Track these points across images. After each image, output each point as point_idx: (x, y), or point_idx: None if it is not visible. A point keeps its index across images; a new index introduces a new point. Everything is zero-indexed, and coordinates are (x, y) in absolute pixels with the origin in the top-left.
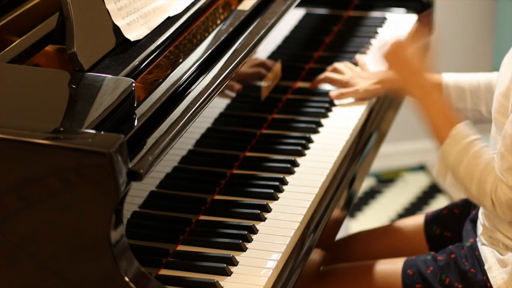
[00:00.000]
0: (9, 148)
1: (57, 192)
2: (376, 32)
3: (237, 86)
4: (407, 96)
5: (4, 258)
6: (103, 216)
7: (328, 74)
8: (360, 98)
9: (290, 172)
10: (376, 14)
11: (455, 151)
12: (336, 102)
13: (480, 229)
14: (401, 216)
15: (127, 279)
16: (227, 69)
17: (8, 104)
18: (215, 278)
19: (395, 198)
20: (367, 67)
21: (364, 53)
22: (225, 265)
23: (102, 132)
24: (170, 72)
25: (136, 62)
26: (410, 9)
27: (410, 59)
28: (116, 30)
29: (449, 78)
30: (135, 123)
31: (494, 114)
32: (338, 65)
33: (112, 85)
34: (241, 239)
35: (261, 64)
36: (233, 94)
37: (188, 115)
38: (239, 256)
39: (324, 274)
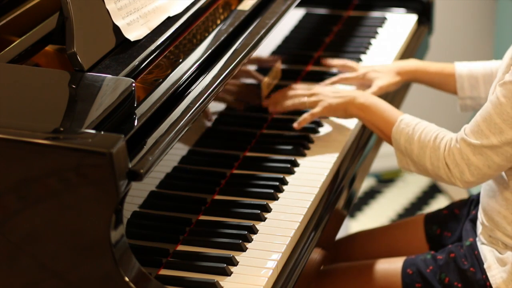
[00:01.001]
0: (9, 148)
1: (57, 192)
2: (376, 32)
3: (237, 86)
4: (350, 117)
5: (4, 258)
6: (103, 216)
7: (342, 75)
8: (382, 93)
9: (290, 172)
10: (376, 14)
11: (404, 133)
12: None
13: (479, 228)
14: (401, 216)
15: (127, 279)
16: (227, 69)
17: (8, 104)
18: (215, 278)
19: (395, 198)
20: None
21: (364, 53)
22: (225, 265)
23: (102, 132)
24: (170, 72)
25: (136, 62)
26: (410, 9)
27: (329, 94)
28: (116, 30)
29: (463, 67)
30: (135, 123)
31: None
32: (346, 62)
33: (112, 85)
34: (241, 239)
35: (262, 64)
36: (233, 94)
37: (188, 115)
38: (239, 256)
39: (324, 273)
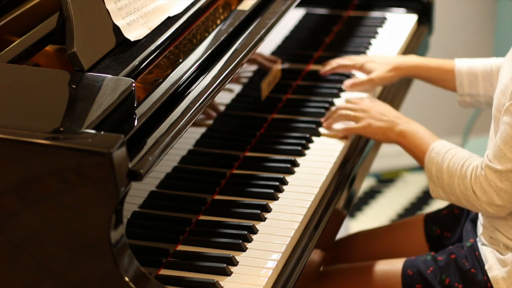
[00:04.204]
0: (9, 148)
1: (57, 192)
2: (376, 32)
3: (237, 86)
4: (389, 142)
5: (4, 258)
6: (103, 216)
7: (340, 61)
8: (374, 86)
9: (290, 172)
10: (376, 14)
11: (435, 162)
12: (335, 101)
13: (480, 229)
14: (401, 216)
15: (127, 279)
16: (227, 69)
17: (8, 104)
18: (215, 278)
19: (395, 198)
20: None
21: (364, 53)
22: (225, 265)
23: (102, 132)
24: (170, 72)
25: (136, 62)
26: (410, 9)
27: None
28: (116, 30)
29: (462, 64)
30: (135, 123)
31: (493, 112)
32: (349, 57)
33: (112, 85)
34: (241, 239)
35: (261, 64)
36: (233, 94)
37: (188, 115)
38: (239, 256)
39: (324, 274)
